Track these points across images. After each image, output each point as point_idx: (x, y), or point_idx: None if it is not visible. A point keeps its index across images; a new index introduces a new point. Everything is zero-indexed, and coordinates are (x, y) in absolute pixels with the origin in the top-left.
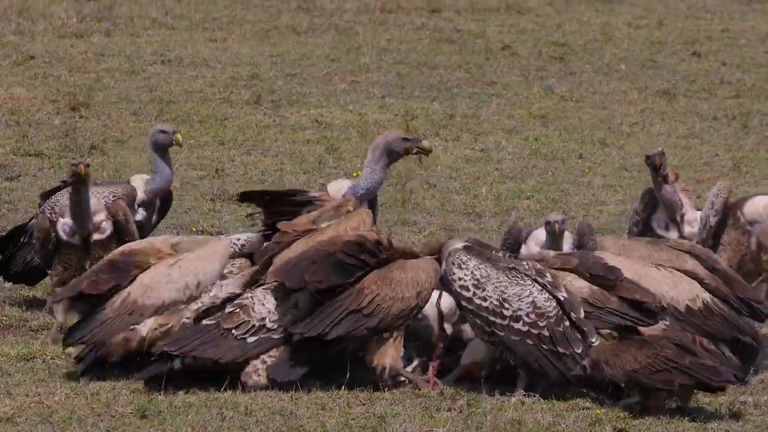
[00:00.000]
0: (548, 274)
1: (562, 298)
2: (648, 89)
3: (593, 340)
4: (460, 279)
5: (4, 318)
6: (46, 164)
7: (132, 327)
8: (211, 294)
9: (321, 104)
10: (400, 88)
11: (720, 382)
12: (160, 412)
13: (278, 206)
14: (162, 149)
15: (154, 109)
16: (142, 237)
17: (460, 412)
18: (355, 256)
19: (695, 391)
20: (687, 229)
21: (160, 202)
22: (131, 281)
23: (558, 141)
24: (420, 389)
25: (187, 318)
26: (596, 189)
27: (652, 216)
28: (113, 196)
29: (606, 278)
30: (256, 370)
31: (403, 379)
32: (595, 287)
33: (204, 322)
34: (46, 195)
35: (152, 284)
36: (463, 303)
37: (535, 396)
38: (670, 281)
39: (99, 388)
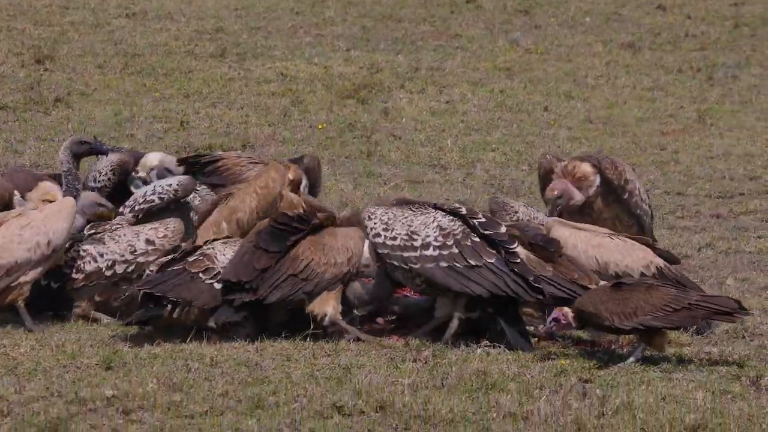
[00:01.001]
0: (464, 209)
1: (477, 222)
2: (613, 42)
3: (512, 246)
4: (372, 229)
5: None
6: (11, 117)
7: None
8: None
9: (286, 57)
10: (365, 41)
11: (736, 309)
12: (126, 364)
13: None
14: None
15: (119, 62)
16: None
17: (426, 363)
18: (287, 224)
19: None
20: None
21: None
22: None
23: (523, 93)
24: (356, 340)
25: (151, 270)
26: (561, 141)
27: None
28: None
29: (545, 249)
30: None
31: (341, 328)
32: (532, 256)
33: (170, 269)
34: None
35: (3, 245)
36: (380, 250)
37: (500, 347)
38: (623, 249)
39: (64, 339)
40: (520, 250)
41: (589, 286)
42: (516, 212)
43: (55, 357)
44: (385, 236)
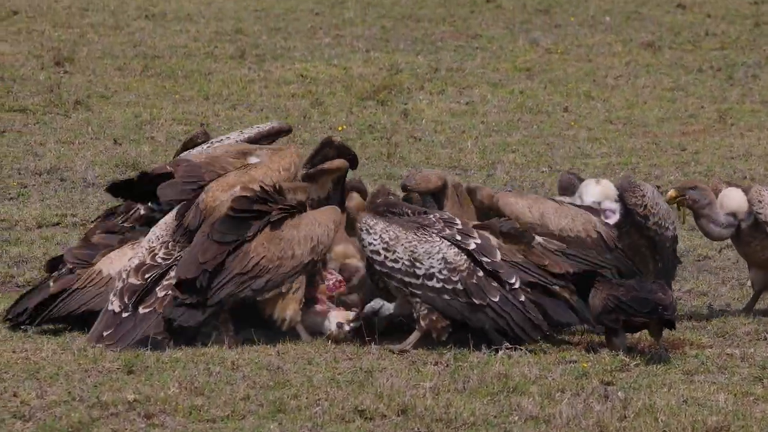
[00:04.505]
0: (458, 221)
1: (475, 245)
2: (633, 41)
3: (512, 281)
4: (370, 244)
5: None
6: (31, 120)
7: None
8: (144, 247)
9: (306, 58)
10: (384, 42)
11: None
12: (147, 368)
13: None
14: None
15: (138, 64)
16: None
17: (447, 366)
18: (246, 209)
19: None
20: None
21: None
22: None
23: (543, 94)
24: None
25: (123, 279)
26: (581, 142)
27: None
28: None
29: (519, 239)
30: None
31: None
32: (503, 244)
33: (141, 311)
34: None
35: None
36: (377, 267)
37: (521, 349)
38: (568, 214)
39: (86, 343)
40: (492, 240)
41: (559, 272)
42: (644, 195)
43: (77, 361)
44: (385, 256)
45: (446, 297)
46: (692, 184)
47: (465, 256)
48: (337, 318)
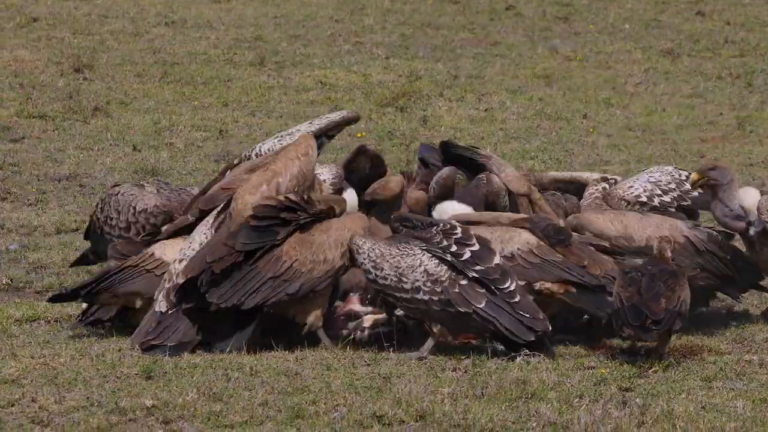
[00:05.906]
0: (458, 229)
1: (470, 253)
2: (652, 49)
3: (506, 285)
4: (362, 263)
5: (9, 280)
6: (50, 126)
7: None
8: (193, 248)
9: (325, 65)
10: (404, 49)
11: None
12: (166, 373)
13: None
14: None
15: (157, 71)
16: None
17: (465, 372)
18: (273, 216)
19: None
20: None
21: None
22: None
23: (562, 101)
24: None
25: (173, 279)
26: (600, 149)
27: None
28: None
29: (555, 239)
30: None
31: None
32: (543, 244)
33: (184, 305)
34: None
35: None
36: (372, 285)
37: (539, 356)
38: (652, 223)
39: (104, 349)
40: (529, 236)
41: (598, 273)
42: None
43: (95, 367)
44: (375, 274)
45: (435, 308)
46: (712, 165)
47: (445, 267)
48: (369, 320)
